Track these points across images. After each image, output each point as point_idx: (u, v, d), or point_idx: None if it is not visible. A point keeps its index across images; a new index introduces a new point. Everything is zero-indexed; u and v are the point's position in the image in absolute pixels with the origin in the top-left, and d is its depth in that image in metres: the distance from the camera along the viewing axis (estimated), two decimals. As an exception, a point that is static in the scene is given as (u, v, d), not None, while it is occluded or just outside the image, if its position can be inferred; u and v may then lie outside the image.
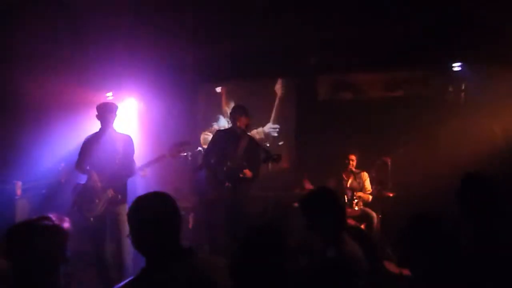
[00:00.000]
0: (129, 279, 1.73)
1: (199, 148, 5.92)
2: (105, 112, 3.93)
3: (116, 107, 4.04)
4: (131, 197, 4.11)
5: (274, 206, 4.56)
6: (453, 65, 5.58)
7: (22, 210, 5.24)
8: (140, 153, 4.24)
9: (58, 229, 1.63)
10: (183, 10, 5.18)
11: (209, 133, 6.48)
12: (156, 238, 1.73)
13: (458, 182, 2.34)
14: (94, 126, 4.14)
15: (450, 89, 5.72)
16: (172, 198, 1.83)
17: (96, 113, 3.96)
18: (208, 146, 4.74)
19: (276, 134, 6.51)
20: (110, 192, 3.81)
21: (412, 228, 1.91)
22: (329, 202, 2.33)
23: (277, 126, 6.48)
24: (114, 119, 3.99)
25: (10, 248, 1.59)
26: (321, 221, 2.29)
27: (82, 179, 3.99)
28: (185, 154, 4.22)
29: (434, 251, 1.81)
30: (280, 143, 6.45)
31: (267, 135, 6.52)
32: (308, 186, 5.07)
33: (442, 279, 1.75)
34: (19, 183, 5.46)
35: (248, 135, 4.44)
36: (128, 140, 4.05)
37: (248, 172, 4.20)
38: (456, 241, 1.87)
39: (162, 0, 5.11)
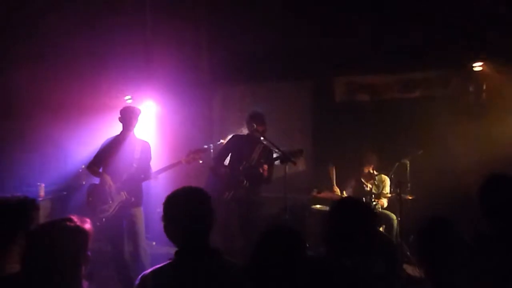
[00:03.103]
0: (156, 267, 1.80)
1: (221, 141, 5.96)
2: (129, 116, 4.02)
3: (140, 112, 4.11)
4: (145, 200, 4.20)
5: (291, 208, 4.55)
6: (474, 64, 5.46)
7: (45, 211, 5.37)
8: (158, 156, 4.30)
9: (80, 230, 1.66)
10: (199, 13, 5.24)
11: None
12: (185, 233, 1.80)
13: (480, 182, 2.29)
14: (114, 129, 4.24)
15: (471, 89, 5.59)
16: (207, 196, 1.90)
17: (120, 116, 4.05)
18: (222, 149, 4.75)
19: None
20: (123, 195, 3.89)
21: (425, 231, 1.91)
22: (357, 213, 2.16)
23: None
24: (136, 124, 4.07)
25: (32, 249, 1.62)
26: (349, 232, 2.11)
27: (97, 180, 4.08)
28: (201, 161, 4.28)
29: (448, 253, 1.80)
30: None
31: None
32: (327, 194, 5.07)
33: (456, 280, 1.73)
34: (42, 185, 5.60)
35: (263, 143, 4.44)
36: (147, 146, 4.14)
37: (266, 169, 4.19)
38: (469, 243, 1.85)
39: (178, 4, 5.18)
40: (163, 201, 1.90)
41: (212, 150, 5.53)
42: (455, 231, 1.87)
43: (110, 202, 3.88)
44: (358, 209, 2.16)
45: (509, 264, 1.92)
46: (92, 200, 3.95)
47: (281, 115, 6.55)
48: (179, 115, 6.34)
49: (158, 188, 4.96)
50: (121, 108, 4.11)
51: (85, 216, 1.76)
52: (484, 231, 2.16)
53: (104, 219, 3.85)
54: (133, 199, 3.92)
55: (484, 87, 5.47)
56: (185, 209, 1.84)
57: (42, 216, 5.23)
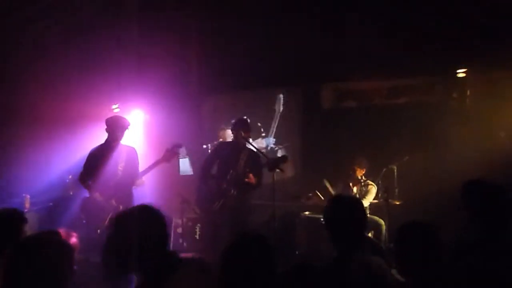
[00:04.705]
0: None
1: (221, 140, 5.96)
2: (116, 127, 3.98)
3: (128, 124, 4.07)
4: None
5: (280, 216, 4.55)
6: (457, 71, 5.57)
7: (31, 224, 5.26)
8: (145, 164, 4.27)
9: (65, 244, 1.64)
10: (188, 23, 5.25)
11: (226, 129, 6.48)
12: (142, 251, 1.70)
13: (462, 188, 2.33)
14: (102, 139, 4.19)
15: (455, 95, 5.69)
16: (155, 211, 1.81)
17: (106, 127, 4.01)
18: (208, 157, 4.80)
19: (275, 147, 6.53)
20: (113, 203, 3.86)
21: (403, 236, 1.94)
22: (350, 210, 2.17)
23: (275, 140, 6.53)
24: (123, 136, 4.04)
25: (16, 263, 1.58)
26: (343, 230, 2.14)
27: (87, 193, 4.04)
28: (180, 156, 4.24)
29: (425, 258, 1.83)
30: (284, 153, 6.45)
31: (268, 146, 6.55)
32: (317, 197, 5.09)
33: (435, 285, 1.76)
34: (28, 197, 5.50)
35: (249, 148, 4.47)
36: (132, 152, 4.11)
37: (252, 177, 4.21)
38: (450, 248, 1.88)
39: (167, 15, 5.19)
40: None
41: (209, 151, 5.52)
42: (434, 236, 1.89)
43: (102, 214, 3.84)
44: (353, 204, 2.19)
45: (487, 270, 1.95)
46: (85, 216, 3.92)
47: (269, 122, 6.59)
48: (167, 124, 6.31)
49: (155, 195, 4.96)
50: (108, 118, 4.06)
51: (76, 228, 1.74)
52: (464, 237, 2.20)
53: (99, 231, 3.80)
54: (121, 207, 3.88)
55: (468, 93, 5.57)
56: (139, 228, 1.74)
57: (28, 229, 5.14)
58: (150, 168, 4.04)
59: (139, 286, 1.72)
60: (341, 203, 2.20)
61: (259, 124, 6.54)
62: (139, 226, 1.71)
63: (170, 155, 4.04)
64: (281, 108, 6.52)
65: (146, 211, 1.80)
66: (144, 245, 1.68)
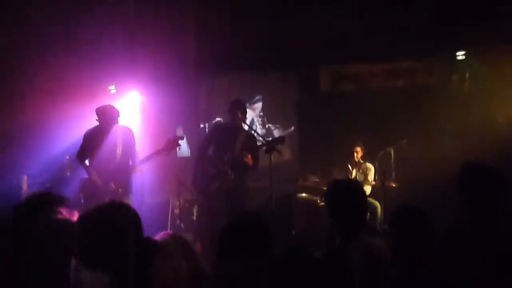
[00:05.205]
0: None
1: (217, 119, 5.95)
2: (108, 117, 3.98)
3: (118, 114, 4.06)
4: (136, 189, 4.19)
5: (277, 198, 4.58)
6: (457, 53, 5.53)
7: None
8: (142, 147, 4.27)
9: (68, 222, 1.64)
10: (186, 3, 5.16)
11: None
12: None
13: (458, 171, 2.34)
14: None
15: (454, 78, 5.67)
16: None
17: (96, 118, 3.99)
18: (204, 138, 4.77)
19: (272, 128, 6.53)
20: (111, 186, 3.87)
21: (397, 219, 2.00)
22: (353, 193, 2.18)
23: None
24: (115, 124, 4.02)
25: (18, 243, 1.59)
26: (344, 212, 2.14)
27: (85, 174, 4.04)
28: (179, 148, 4.26)
29: (417, 241, 1.89)
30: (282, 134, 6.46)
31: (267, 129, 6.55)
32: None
33: (426, 268, 1.80)
34: (25, 178, 5.50)
35: (245, 129, 4.46)
36: (128, 132, 4.10)
37: (249, 158, 4.21)
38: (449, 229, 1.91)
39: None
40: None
41: (207, 130, 5.58)
42: (425, 221, 1.95)
43: (100, 196, 3.85)
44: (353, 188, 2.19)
45: (487, 252, 1.97)
46: (84, 196, 3.93)
47: (266, 104, 6.56)
48: (164, 106, 6.28)
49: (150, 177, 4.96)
50: (97, 108, 4.03)
51: (74, 208, 1.74)
52: (459, 220, 2.22)
53: None
54: (120, 190, 3.89)
55: (467, 76, 5.55)
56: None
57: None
58: (149, 157, 4.04)
59: (118, 281, 1.68)
60: (343, 187, 2.20)
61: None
62: (106, 225, 1.64)
63: (171, 146, 4.04)
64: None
65: (111, 208, 1.73)
66: (113, 242, 1.61)
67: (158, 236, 1.80)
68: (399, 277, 1.90)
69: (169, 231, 1.97)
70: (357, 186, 2.26)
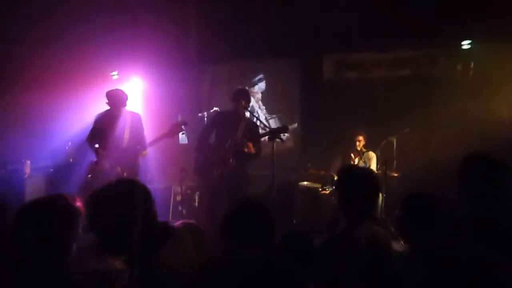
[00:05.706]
0: None
1: (215, 108, 5.95)
2: (118, 101, 4.11)
3: (127, 98, 4.20)
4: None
5: (279, 186, 4.59)
6: (462, 43, 5.47)
7: (32, 189, 5.32)
8: (145, 133, 4.31)
9: (71, 207, 1.65)
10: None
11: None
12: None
13: (460, 162, 2.35)
14: (100, 105, 4.24)
15: (459, 67, 5.61)
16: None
17: (107, 101, 4.10)
18: (205, 126, 4.78)
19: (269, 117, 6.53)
20: (118, 170, 3.91)
21: (407, 206, 2.01)
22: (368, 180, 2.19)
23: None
24: (124, 106, 4.16)
25: (22, 228, 1.60)
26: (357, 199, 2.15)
27: (93, 156, 4.08)
28: (183, 133, 4.33)
29: (428, 228, 1.90)
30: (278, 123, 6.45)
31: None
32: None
33: (436, 255, 1.80)
34: (28, 162, 5.53)
35: (248, 117, 4.46)
36: (137, 118, 4.22)
37: (251, 147, 4.21)
38: (450, 219, 1.93)
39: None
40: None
41: (205, 119, 5.62)
42: (435, 207, 1.97)
43: (107, 179, 3.88)
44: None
45: (487, 240, 1.98)
46: (91, 178, 3.98)
47: (269, 92, 6.54)
48: (167, 92, 6.27)
49: (153, 164, 5.01)
50: (108, 91, 4.14)
51: (82, 191, 1.75)
52: (460, 210, 2.24)
53: None
54: (125, 174, 3.93)
55: (472, 66, 5.49)
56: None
57: (29, 194, 5.20)
58: (154, 141, 4.13)
59: (128, 263, 1.69)
60: (357, 174, 2.22)
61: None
62: (119, 204, 1.63)
63: (175, 130, 4.10)
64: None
65: (125, 186, 1.73)
66: (127, 224, 1.60)
67: (177, 223, 1.83)
68: (408, 263, 1.91)
69: (187, 221, 1.99)
70: (371, 173, 2.28)
